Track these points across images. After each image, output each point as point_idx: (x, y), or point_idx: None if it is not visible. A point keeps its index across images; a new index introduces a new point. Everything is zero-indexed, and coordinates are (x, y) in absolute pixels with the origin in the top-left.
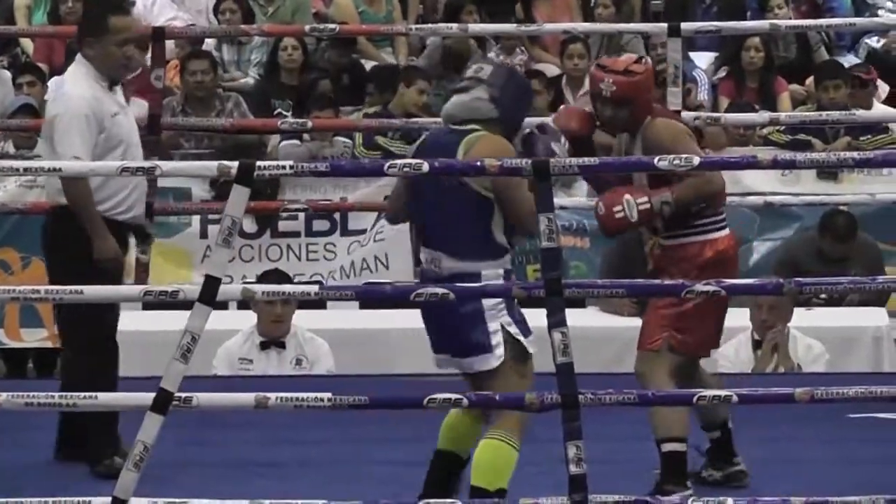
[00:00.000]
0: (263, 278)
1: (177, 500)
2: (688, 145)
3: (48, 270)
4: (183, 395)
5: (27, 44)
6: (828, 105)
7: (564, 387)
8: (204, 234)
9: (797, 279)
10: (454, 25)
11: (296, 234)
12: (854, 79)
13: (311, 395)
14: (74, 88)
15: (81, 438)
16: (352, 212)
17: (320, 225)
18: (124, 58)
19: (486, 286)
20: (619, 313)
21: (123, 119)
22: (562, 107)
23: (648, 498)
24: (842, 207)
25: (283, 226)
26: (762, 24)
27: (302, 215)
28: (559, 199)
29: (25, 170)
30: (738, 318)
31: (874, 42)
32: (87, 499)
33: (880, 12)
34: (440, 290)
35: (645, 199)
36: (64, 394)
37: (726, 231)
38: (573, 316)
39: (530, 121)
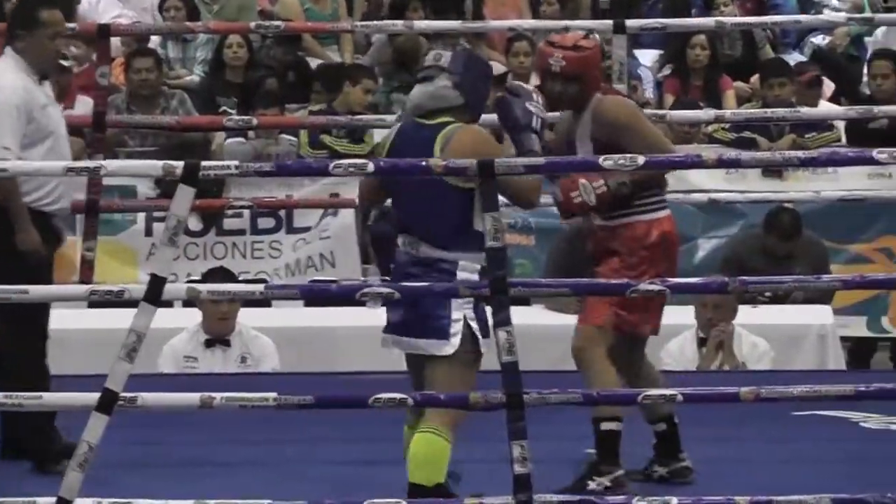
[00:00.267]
0: (209, 276)
1: (122, 500)
2: (644, 123)
3: None
4: (128, 394)
5: None
6: (773, 102)
7: (509, 386)
8: (149, 232)
9: (742, 277)
10: (399, 22)
11: (241, 232)
12: (814, 79)
13: (257, 395)
14: (4, 79)
15: (25, 438)
16: (297, 209)
17: (265, 223)
18: (55, 51)
19: (432, 286)
20: (564, 311)
21: (53, 111)
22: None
23: (594, 497)
24: (787, 205)
25: (228, 223)
26: (707, 21)
27: (247, 213)
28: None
29: None
30: (682, 316)
31: (819, 40)
32: (31, 499)
33: (825, 10)
34: (385, 290)
35: (601, 182)
36: (9, 394)
37: (668, 210)
38: (518, 314)
39: None
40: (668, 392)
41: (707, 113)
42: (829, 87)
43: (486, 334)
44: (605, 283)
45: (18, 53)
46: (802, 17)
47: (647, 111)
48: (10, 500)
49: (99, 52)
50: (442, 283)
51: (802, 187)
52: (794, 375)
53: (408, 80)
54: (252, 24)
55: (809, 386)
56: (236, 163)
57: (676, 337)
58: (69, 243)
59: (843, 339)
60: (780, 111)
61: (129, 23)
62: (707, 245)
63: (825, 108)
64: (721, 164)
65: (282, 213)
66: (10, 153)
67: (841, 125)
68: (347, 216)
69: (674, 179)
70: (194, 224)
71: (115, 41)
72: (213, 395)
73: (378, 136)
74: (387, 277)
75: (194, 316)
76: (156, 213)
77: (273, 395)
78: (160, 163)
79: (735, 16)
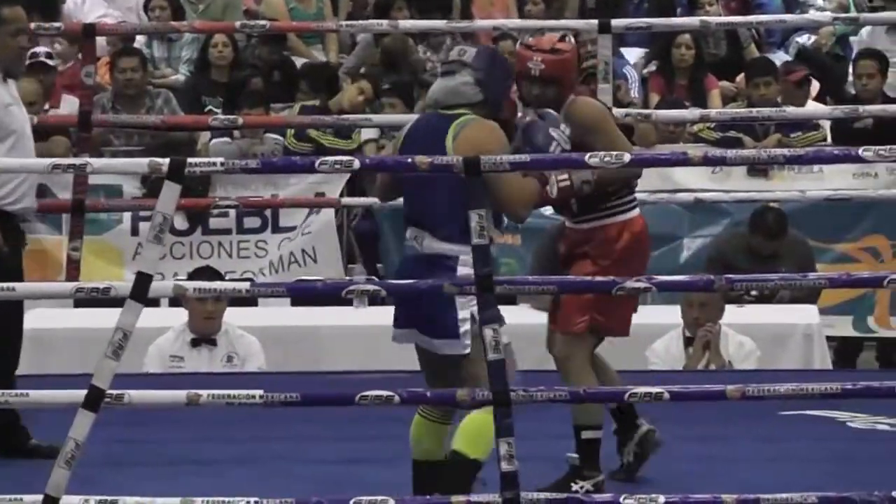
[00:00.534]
0: (195, 275)
1: (109, 497)
2: (611, 126)
3: None
4: (114, 392)
5: None
6: (758, 102)
7: (496, 384)
8: (135, 232)
9: (728, 276)
10: (384, 22)
11: (227, 232)
12: (803, 78)
13: (243, 392)
14: None
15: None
16: (283, 208)
17: (251, 222)
18: (18, 49)
19: (419, 283)
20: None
21: (17, 110)
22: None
23: (580, 495)
24: (772, 204)
25: (214, 223)
26: (692, 20)
27: (233, 212)
28: None
29: None
30: (669, 315)
31: (804, 40)
32: (18, 496)
33: (810, 10)
34: (371, 287)
35: (565, 177)
36: None
37: (638, 210)
38: (504, 313)
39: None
40: (654, 390)
41: (692, 112)
42: (814, 86)
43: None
44: (592, 281)
45: None
46: (787, 17)
47: (633, 110)
48: None
49: (84, 51)
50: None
51: (788, 186)
52: (781, 375)
53: (395, 80)
54: (237, 24)
55: (796, 384)
56: (222, 160)
57: (662, 336)
58: (55, 243)
59: (829, 338)
60: (766, 111)
61: (115, 22)
62: (692, 244)
63: (811, 107)
64: (707, 161)
65: (267, 212)
66: None
67: (826, 125)
68: (328, 212)
69: (659, 179)
70: (180, 223)
71: (100, 41)
72: (200, 392)
73: (366, 134)
74: (373, 276)
75: (180, 315)
76: (142, 213)
77: (259, 392)
78: (146, 160)
79: (720, 15)
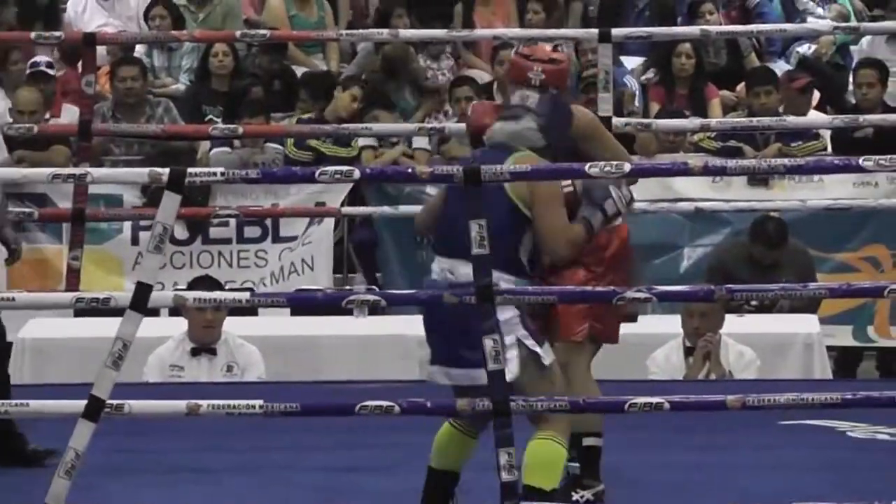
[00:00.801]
0: (194, 285)
1: None
2: (605, 134)
3: None
4: (114, 402)
5: None
6: (759, 111)
7: (496, 393)
8: (135, 241)
9: (728, 286)
10: (385, 31)
11: (227, 241)
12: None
13: (243, 402)
14: None
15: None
16: (283, 218)
17: (252, 231)
18: None
19: (416, 293)
20: None
21: None
22: (473, 104)
23: None
24: (773, 214)
25: (214, 232)
26: (693, 29)
27: (233, 222)
28: None
29: None
30: (669, 325)
31: (804, 49)
32: None
33: (809, 18)
34: (371, 297)
35: (568, 182)
36: None
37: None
38: None
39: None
40: (654, 400)
41: (692, 122)
42: (814, 95)
43: (542, 342)
44: (593, 291)
45: None
46: (787, 26)
47: (633, 120)
48: None
49: (84, 60)
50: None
51: (788, 196)
52: (781, 384)
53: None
54: (237, 33)
55: (796, 394)
56: (222, 169)
57: (663, 346)
58: (55, 252)
59: (829, 348)
60: (766, 120)
61: (115, 31)
62: (693, 254)
63: (811, 116)
64: (707, 171)
65: (268, 221)
66: None
67: (827, 134)
68: (328, 222)
69: (660, 188)
70: (180, 233)
71: (100, 50)
72: (200, 402)
73: (363, 141)
74: (373, 286)
75: (180, 325)
76: (142, 222)
77: (259, 402)
78: (146, 170)
79: (720, 24)
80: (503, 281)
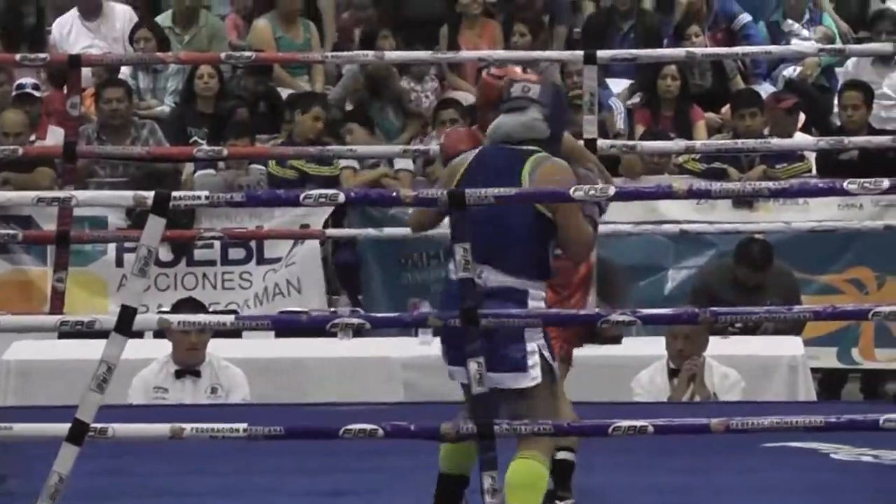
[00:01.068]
0: (178, 307)
1: None
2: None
3: None
4: (98, 425)
5: None
6: (744, 133)
7: (480, 417)
8: (120, 263)
9: (712, 308)
10: (370, 53)
11: (211, 263)
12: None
13: (227, 425)
14: None
15: None
16: (268, 240)
17: (236, 253)
18: None
19: (403, 316)
20: None
21: None
22: (446, 131)
23: None
24: (757, 235)
25: (198, 254)
26: (678, 51)
27: (218, 244)
28: None
29: None
30: (653, 347)
31: (790, 72)
32: None
33: (794, 40)
34: (356, 320)
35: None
36: None
37: None
38: None
39: None
40: (638, 423)
41: (677, 143)
42: (800, 117)
43: (553, 356)
44: (577, 314)
45: None
46: (773, 48)
47: (618, 142)
48: None
49: (70, 82)
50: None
51: (773, 218)
52: (765, 406)
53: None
54: (223, 55)
55: (780, 417)
56: (206, 193)
57: (647, 368)
58: (40, 273)
59: (814, 370)
60: (751, 142)
61: (100, 53)
62: (677, 275)
63: (796, 138)
64: (692, 193)
65: (252, 243)
66: None
67: (812, 156)
68: (313, 243)
69: (644, 210)
70: (165, 255)
71: (86, 72)
72: (184, 425)
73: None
74: (357, 308)
75: (164, 347)
76: (126, 244)
77: (243, 425)
78: (131, 193)
79: (706, 46)
80: (532, 288)
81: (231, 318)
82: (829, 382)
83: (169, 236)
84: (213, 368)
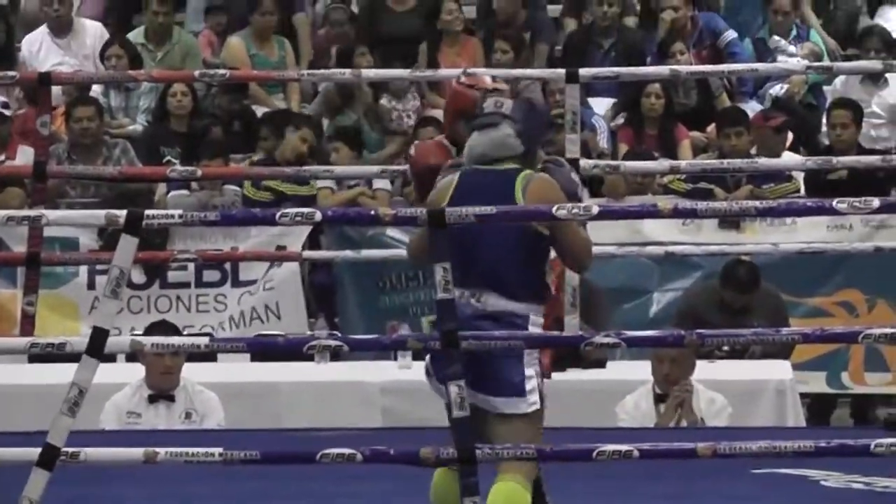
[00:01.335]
0: (151, 330)
1: None
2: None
3: None
4: (70, 450)
5: None
6: (729, 152)
7: (461, 441)
8: (91, 285)
9: (699, 331)
10: (347, 71)
11: (185, 285)
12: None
13: (202, 449)
14: None
15: None
16: (243, 262)
17: (210, 275)
18: None
19: (381, 339)
20: None
21: None
22: (414, 143)
23: None
24: (744, 257)
25: (172, 276)
26: (662, 69)
27: (192, 266)
28: None
29: None
30: (638, 371)
31: (777, 90)
32: None
33: (781, 58)
34: (333, 343)
35: None
36: None
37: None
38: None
39: None
40: (623, 448)
41: (662, 163)
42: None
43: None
44: (559, 336)
45: None
46: (759, 66)
47: (601, 161)
48: None
49: (40, 100)
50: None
51: (760, 239)
52: (753, 432)
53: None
54: (196, 73)
55: (769, 441)
56: (180, 212)
57: (632, 392)
58: (9, 296)
59: (803, 395)
60: (737, 162)
61: (71, 71)
62: (662, 298)
63: (784, 158)
64: (677, 213)
65: (227, 265)
66: None
67: (800, 176)
68: (292, 265)
69: (628, 231)
70: (138, 277)
71: (56, 90)
72: (158, 449)
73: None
74: (335, 332)
75: (137, 371)
76: (98, 266)
77: (219, 450)
78: (102, 212)
79: (691, 64)
80: (533, 313)
81: (205, 340)
82: (818, 407)
83: (142, 258)
84: (187, 393)
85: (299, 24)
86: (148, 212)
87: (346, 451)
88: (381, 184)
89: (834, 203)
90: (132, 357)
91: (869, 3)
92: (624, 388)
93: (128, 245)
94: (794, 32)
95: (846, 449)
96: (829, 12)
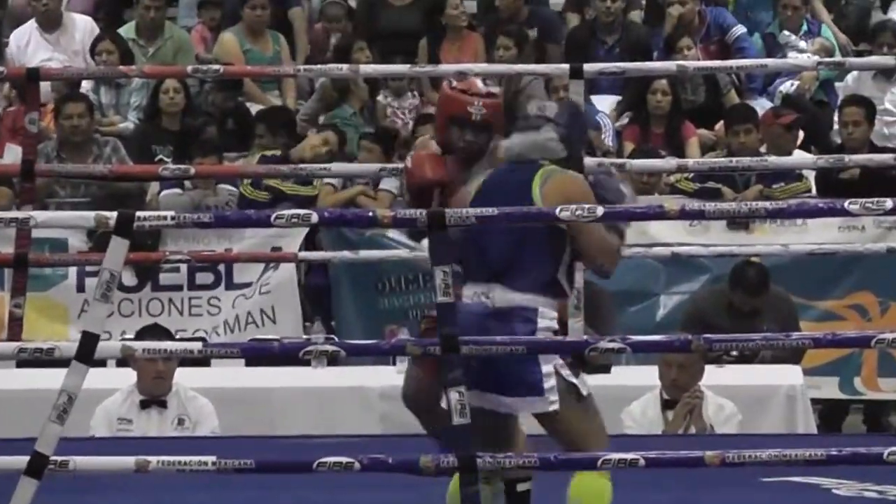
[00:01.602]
0: (143, 334)
1: None
2: None
3: None
4: (59, 458)
5: None
6: (738, 151)
7: (461, 449)
8: (81, 288)
9: (706, 335)
10: (344, 66)
11: (178, 288)
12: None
13: (195, 458)
14: None
15: None
16: (237, 263)
17: (204, 278)
18: None
19: (380, 343)
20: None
21: None
22: (411, 154)
23: None
24: (753, 259)
25: (164, 279)
26: (669, 65)
27: (184, 268)
28: None
29: None
30: (645, 377)
31: (787, 87)
32: None
33: (790, 53)
34: (330, 347)
35: None
36: None
37: None
38: None
39: None
40: (628, 456)
41: (669, 162)
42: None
43: (577, 373)
44: (563, 341)
45: None
46: (768, 61)
47: (606, 160)
48: None
49: (28, 97)
50: (526, 335)
51: (770, 240)
52: (763, 439)
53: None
54: (189, 69)
55: (778, 450)
56: (173, 213)
57: (639, 399)
58: None
59: (814, 401)
60: (746, 160)
61: (60, 67)
62: (669, 301)
63: (794, 156)
64: (684, 215)
65: (221, 267)
66: None
67: (811, 175)
68: (288, 268)
69: (634, 232)
70: (129, 279)
71: (44, 86)
72: (149, 458)
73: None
74: (332, 336)
75: (128, 376)
76: (88, 268)
77: (212, 458)
78: (92, 214)
79: (698, 59)
80: (543, 306)
81: (199, 345)
82: (829, 414)
83: (133, 259)
84: (180, 399)
85: (295, 18)
86: (139, 213)
87: (344, 459)
88: (388, 184)
89: (846, 204)
90: (123, 362)
91: None
92: (630, 393)
93: (118, 247)
94: (804, 28)
95: (859, 457)
96: (841, 7)
